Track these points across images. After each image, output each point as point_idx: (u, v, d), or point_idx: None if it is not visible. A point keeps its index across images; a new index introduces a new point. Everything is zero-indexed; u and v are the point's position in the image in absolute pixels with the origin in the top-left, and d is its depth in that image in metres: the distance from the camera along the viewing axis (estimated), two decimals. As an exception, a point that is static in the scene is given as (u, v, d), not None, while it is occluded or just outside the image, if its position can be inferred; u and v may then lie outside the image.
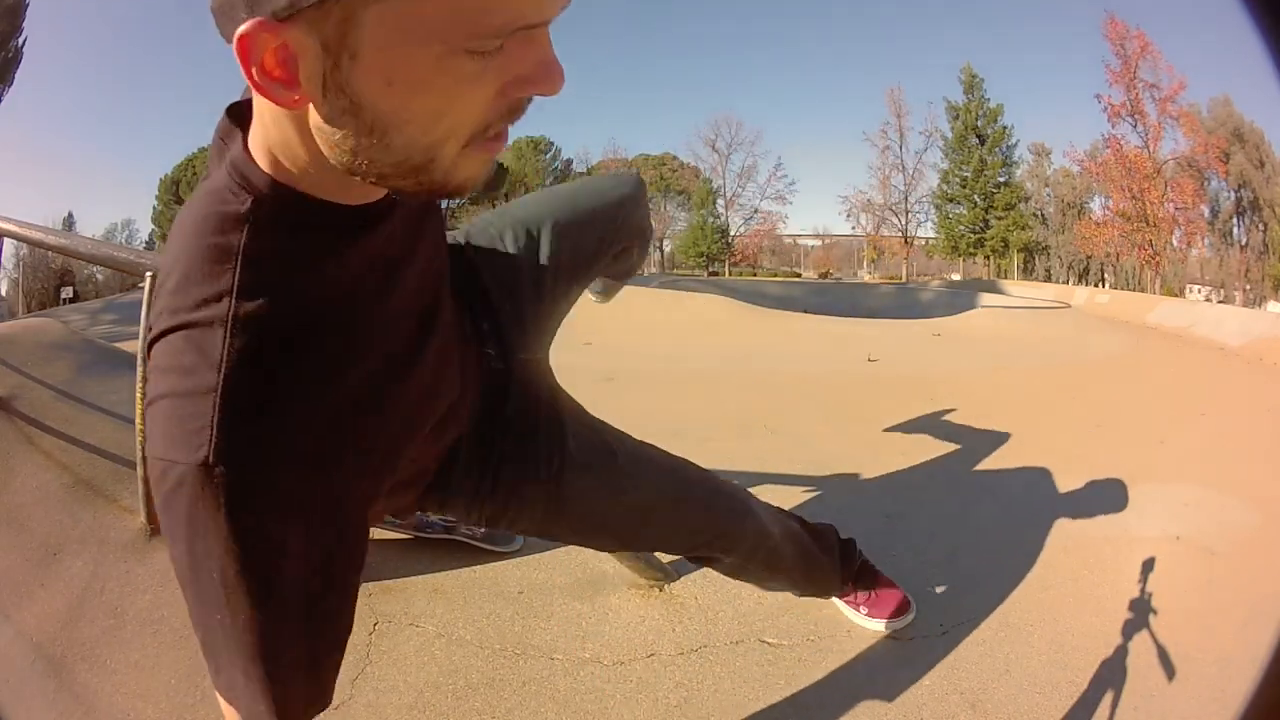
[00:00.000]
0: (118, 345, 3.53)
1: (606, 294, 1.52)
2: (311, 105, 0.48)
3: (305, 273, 0.55)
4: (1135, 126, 24.35)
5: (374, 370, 0.59)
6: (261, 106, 0.53)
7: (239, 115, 0.57)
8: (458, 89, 0.46)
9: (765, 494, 2.20)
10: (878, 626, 1.48)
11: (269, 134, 0.53)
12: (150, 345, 0.54)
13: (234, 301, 0.51)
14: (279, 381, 0.52)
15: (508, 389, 0.91)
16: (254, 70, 0.45)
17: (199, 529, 0.50)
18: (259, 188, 0.54)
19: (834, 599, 1.53)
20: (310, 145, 0.52)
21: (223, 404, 0.50)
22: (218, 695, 0.58)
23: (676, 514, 1.10)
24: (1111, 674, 1.36)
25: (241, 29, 0.43)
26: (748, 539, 1.19)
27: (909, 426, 3.36)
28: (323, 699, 0.58)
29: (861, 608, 1.50)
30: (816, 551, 1.39)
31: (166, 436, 0.51)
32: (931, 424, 3.45)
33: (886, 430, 3.24)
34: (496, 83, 0.48)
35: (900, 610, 1.50)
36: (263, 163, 0.54)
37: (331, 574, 0.56)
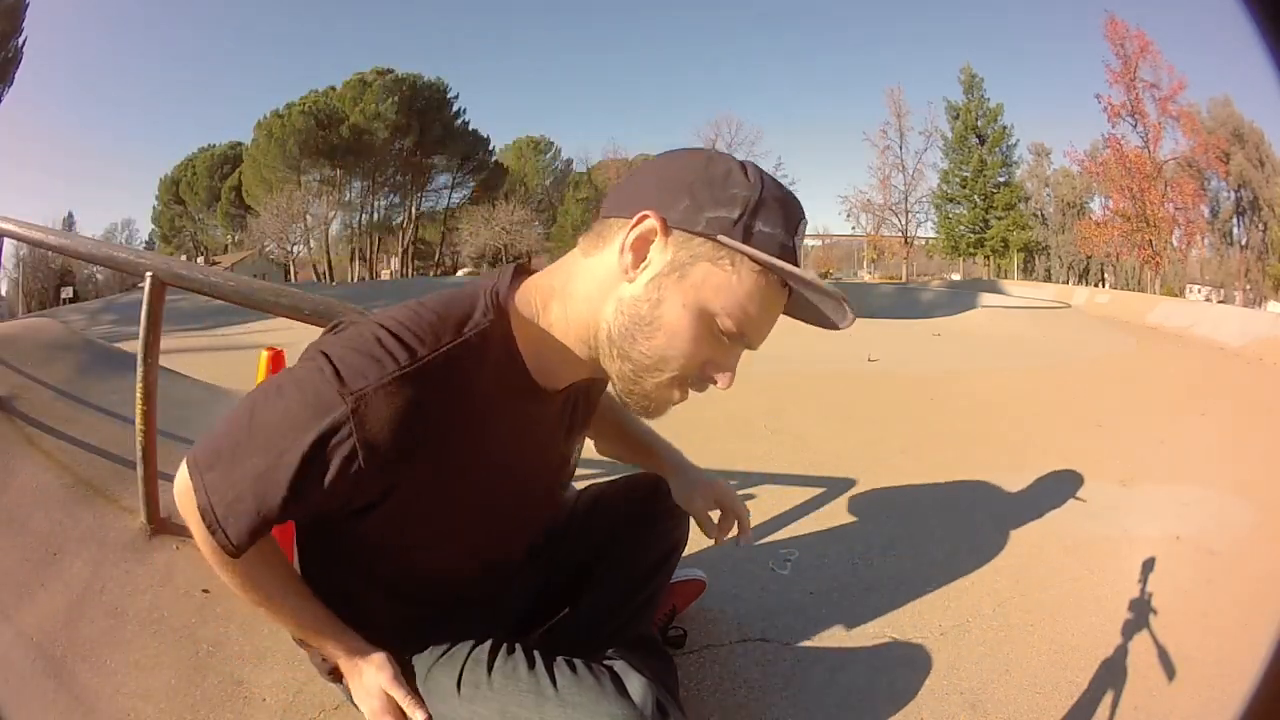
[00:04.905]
0: (118, 345, 3.52)
1: None
2: (633, 281, 0.72)
3: (482, 380, 0.75)
4: (1135, 126, 24.36)
5: (489, 465, 0.81)
6: (572, 277, 0.76)
7: (521, 272, 0.82)
8: (697, 338, 0.71)
9: (765, 494, 2.22)
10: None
11: (549, 292, 0.77)
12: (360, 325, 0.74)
13: (437, 355, 0.71)
14: (426, 405, 0.71)
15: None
16: (632, 237, 0.70)
17: (294, 409, 0.69)
18: (499, 321, 0.76)
19: None
20: (589, 310, 0.75)
21: (405, 397, 0.69)
22: (189, 470, 0.75)
23: None
24: (1111, 674, 1.36)
25: (650, 211, 0.69)
26: None
27: (909, 426, 3.36)
28: (241, 548, 0.76)
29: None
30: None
31: (345, 360, 0.69)
32: (931, 423, 3.45)
33: (886, 430, 3.24)
34: (708, 357, 0.73)
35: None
36: (521, 312, 0.77)
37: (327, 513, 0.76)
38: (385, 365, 0.69)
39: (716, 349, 0.73)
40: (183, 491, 0.77)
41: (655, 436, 1.20)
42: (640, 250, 0.71)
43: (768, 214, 0.69)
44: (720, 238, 0.68)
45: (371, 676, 0.90)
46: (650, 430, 1.20)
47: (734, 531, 1.12)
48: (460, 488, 0.80)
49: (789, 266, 0.68)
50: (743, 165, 0.72)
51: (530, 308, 0.78)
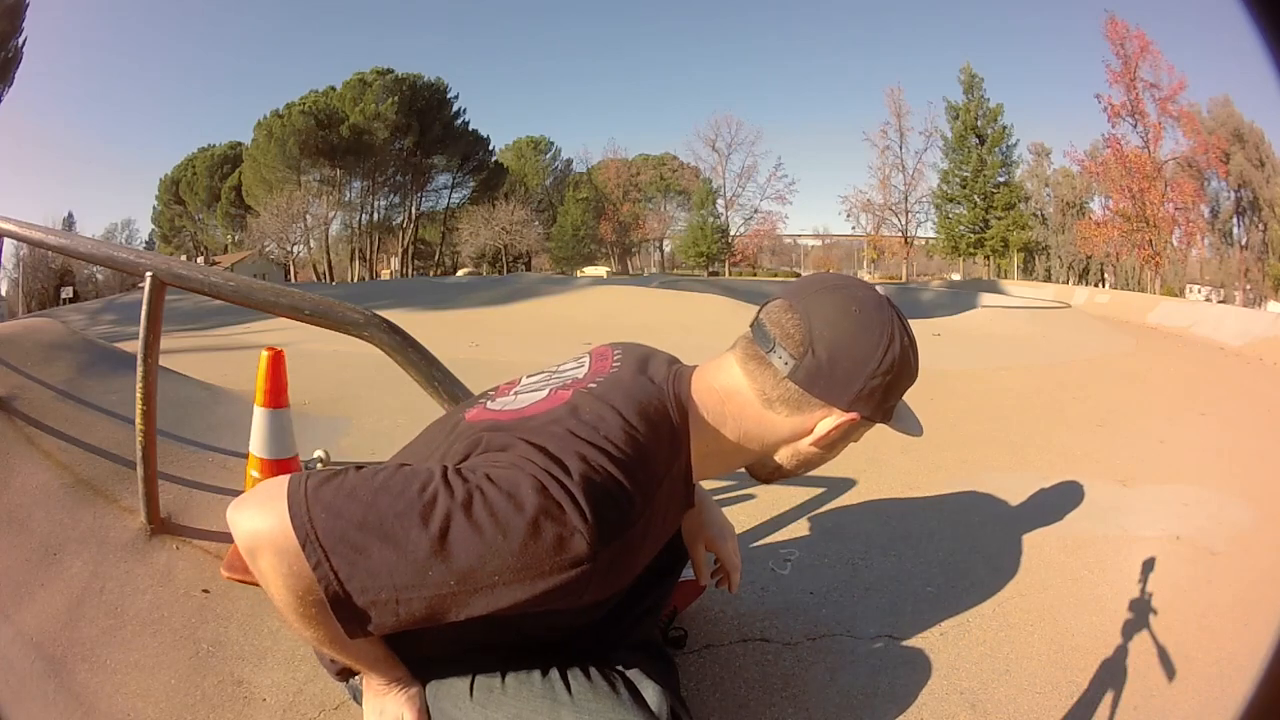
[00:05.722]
0: (118, 345, 3.53)
1: None
2: (815, 444, 0.85)
3: (671, 493, 0.85)
4: (1135, 126, 24.35)
5: (651, 541, 0.85)
6: (750, 420, 0.85)
7: (682, 372, 0.91)
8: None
9: (765, 494, 2.21)
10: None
11: (724, 416, 0.86)
12: (590, 443, 0.75)
13: (660, 491, 0.80)
14: (642, 531, 0.77)
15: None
16: (825, 424, 0.83)
17: (536, 556, 0.67)
18: (684, 423, 0.85)
19: None
20: (764, 449, 0.87)
21: (636, 531, 0.75)
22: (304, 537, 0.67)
23: None
24: (1111, 674, 1.36)
25: (856, 415, 0.82)
26: None
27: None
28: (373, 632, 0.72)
29: None
30: None
31: (593, 508, 0.69)
32: (932, 423, 3.45)
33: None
34: None
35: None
36: (696, 424, 0.85)
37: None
38: (627, 514, 0.73)
39: None
40: (283, 556, 0.68)
41: None
42: (828, 434, 0.83)
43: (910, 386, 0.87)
44: (885, 425, 0.88)
45: (394, 708, 0.89)
46: None
47: (722, 580, 1.21)
48: (622, 581, 0.83)
49: (917, 433, 0.91)
50: (908, 344, 0.83)
51: (705, 424, 0.86)
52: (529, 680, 0.88)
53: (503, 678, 0.89)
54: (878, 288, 0.85)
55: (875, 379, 0.80)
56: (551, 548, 0.68)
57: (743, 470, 0.94)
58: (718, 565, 1.21)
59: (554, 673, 0.89)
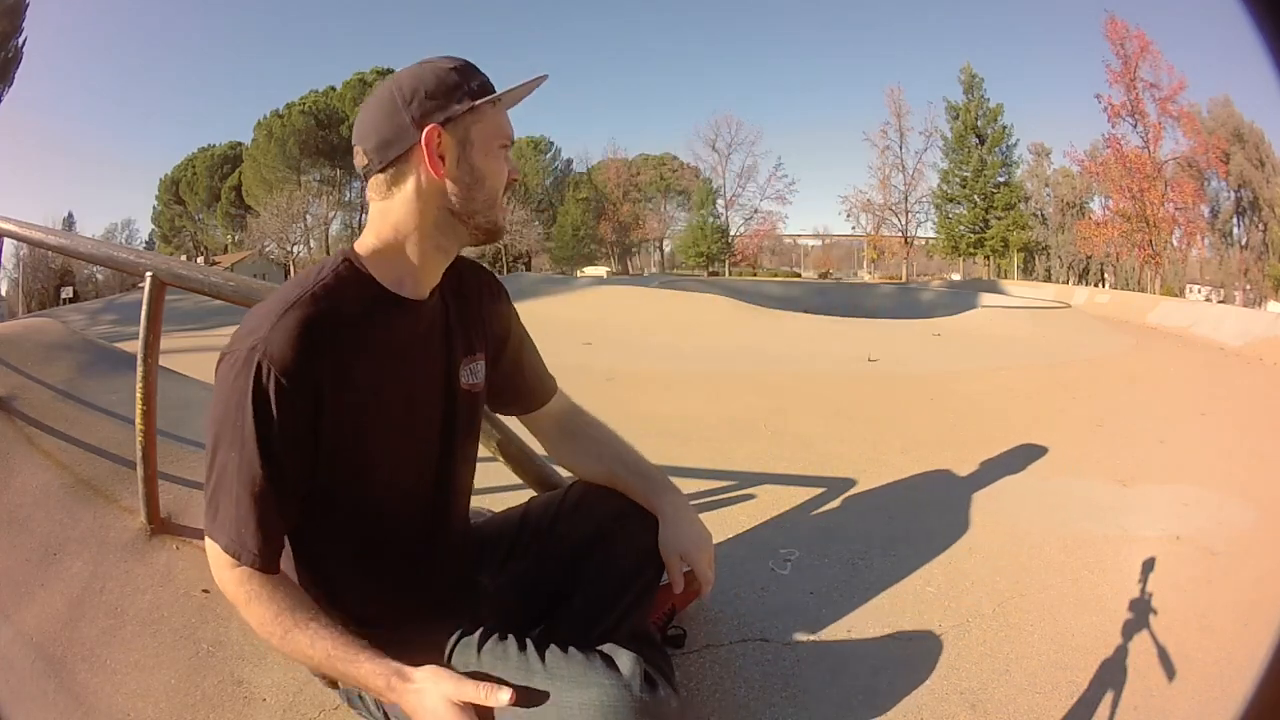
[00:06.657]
0: (118, 345, 3.53)
1: None
2: (445, 177, 0.94)
3: (349, 302, 0.93)
4: (1135, 126, 24.30)
5: (379, 370, 0.95)
6: (391, 213, 0.97)
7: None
8: (498, 163, 0.99)
9: (765, 494, 2.22)
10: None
11: (386, 227, 0.97)
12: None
13: (305, 294, 0.90)
14: (314, 329, 0.88)
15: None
16: (427, 158, 0.92)
17: (230, 384, 0.85)
18: (347, 261, 0.97)
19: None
20: (425, 220, 0.96)
21: (280, 320, 0.87)
22: (207, 539, 0.89)
23: None
24: (1111, 674, 1.36)
25: (429, 128, 0.92)
26: None
27: (909, 426, 3.36)
28: (263, 555, 0.88)
29: None
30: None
31: (242, 330, 0.88)
32: (931, 423, 3.45)
33: (886, 430, 3.24)
34: (506, 169, 1.01)
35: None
36: (365, 254, 0.97)
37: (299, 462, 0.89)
38: (272, 315, 0.87)
39: (505, 161, 1.01)
40: (212, 555, 0.89)
41: (657, 479, 1.21)
42: (436, 158, 0.93)
43: (473, 72, 0.97)
44: (473, 106, 0.94)
45: (433, 695, 0.84)
46: (650, 469, 1.22)
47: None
48: (363, 396, 0.92)
49: (506, 91, 0.98)
50: (414, 66, 0.97)
51: (368, 248, 0.97)
52: (505, 655, 0.92)
53: (478, 654, 0.93)
54: None
55: (414, 104, 0.92)
56: (234, 373, 0.85)
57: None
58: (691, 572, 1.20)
59: (530, 649, 0.93)
